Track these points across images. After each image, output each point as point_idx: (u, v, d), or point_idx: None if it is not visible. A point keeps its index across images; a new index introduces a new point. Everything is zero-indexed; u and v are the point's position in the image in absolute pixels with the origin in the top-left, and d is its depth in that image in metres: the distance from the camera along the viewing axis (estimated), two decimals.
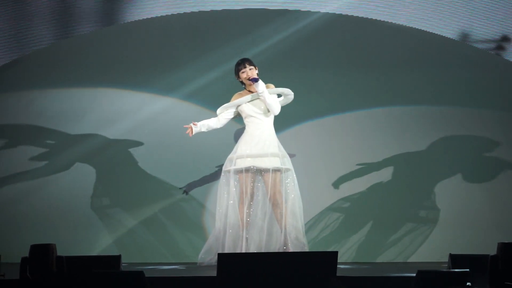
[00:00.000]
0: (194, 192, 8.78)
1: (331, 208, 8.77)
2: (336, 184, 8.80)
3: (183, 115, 8.83)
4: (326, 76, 9.16)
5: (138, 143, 8.89)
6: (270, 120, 7.56)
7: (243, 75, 7.54)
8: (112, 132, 8.96)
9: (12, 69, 9.15)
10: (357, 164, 8.87)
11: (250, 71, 7.52)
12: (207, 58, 9.09)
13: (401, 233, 8.73)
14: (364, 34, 9.28)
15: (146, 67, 9.12)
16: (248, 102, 7.52)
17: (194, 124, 7.59)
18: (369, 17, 9.28)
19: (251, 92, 7.57)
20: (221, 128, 7.72)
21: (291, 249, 7.35)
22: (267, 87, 7.50)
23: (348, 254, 8.63)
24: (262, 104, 7.51)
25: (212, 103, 8.18)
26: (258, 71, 7.56)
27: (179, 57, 9.16)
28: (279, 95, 7.63)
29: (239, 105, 7.57)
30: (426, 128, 9.04)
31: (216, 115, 7.70)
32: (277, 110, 7.48)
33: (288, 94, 7.62)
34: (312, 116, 9.01)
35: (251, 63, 7.56)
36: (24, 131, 8.95)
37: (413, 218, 8.79)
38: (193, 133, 7.60)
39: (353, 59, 9.23)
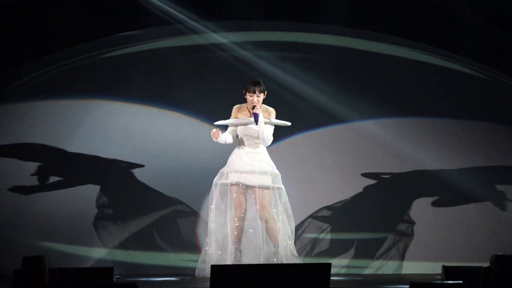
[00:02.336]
0: (188, 203, 8.77)
1: (319, 218, 8.78)
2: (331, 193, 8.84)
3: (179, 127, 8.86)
4: (320, 87, 9.18)
5: (135, 162, 8.91)
6: None
7: (249, 98, 7.52)
8: (109, 146, 8.95)
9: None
10: (362, 174, 8.90)
11: (258, 99, 7.50)
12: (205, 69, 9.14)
13: (391, 244, 8.74)
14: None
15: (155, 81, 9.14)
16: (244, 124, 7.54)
17: (218, 133, 7.54)
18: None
19: (250, 112, 7.55)
20: (216, 142, 7.70)
21: (284, 262, 7.35)
22: (268, 114, 7.51)
23: (341, 264, 8.64)
24: (256, 129, 7.51)
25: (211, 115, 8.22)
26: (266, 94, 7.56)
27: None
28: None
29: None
30: (426, 139, 9.08)
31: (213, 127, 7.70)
32: (268, 143, 7.52)
33: (285, 124, 7.67)
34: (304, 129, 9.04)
35: (261, 90, 7.52)
36: (20, 144, 8.94)
37: (403, 229, 8.80)
38: (217, 138, 7.56)
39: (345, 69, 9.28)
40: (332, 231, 8.78)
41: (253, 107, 7.42)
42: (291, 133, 8.82)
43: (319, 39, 9.42)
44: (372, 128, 9.09)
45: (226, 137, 7.57)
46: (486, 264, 6.26)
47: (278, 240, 7.43)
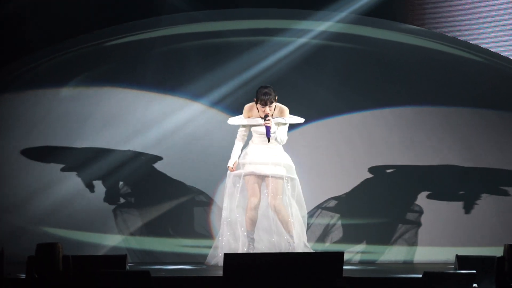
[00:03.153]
0: (202, 191, 8.78)
1: (329, 207, 8.79)
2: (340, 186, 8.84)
3: (201, 119, 8.91)
4: (332, 76, 9.16)
5: (155, 153, 8.92)
6: None
7: (261, 109, 7.48)
8: (122, 135, 8.96)
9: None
10: (369, 168, 8.89)
11: (269, 109, 7.43)
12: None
13: (404, 232, 8.73)
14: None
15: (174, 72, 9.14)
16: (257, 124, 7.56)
17: (232, 169, 7.60)
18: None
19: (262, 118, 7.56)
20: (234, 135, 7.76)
21: (297, 251, 7.37)
22: (281, 113, 7.51)
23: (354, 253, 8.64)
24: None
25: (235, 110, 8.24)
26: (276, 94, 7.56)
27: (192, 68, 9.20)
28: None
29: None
30: (436, 129, 9.05)
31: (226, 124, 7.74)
32: (282, 143, 7.56)
33: (299, 121, 7.69)
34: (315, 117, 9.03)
35: (271, 101, 7.44)
36: (33, 132, 8.96)
37: (417, 218, 8.78)
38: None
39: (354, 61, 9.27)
40: (343, 218, 8.77)
41: (265, 116, 7.41)
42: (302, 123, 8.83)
43: (334, 28, 9.38)
44: (386, 117, 9.07)
45: (237, 155, 7.60)
46: (499, 254, 6.24)
47: (290, 230, 7.45)
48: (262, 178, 7.56)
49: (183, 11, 9.26)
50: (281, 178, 7.53)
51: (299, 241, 7.49)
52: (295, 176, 7.61)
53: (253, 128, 7.61)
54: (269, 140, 7.44)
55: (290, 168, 7.61)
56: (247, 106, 7.64)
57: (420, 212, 8.76)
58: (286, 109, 7.59)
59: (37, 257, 6.02)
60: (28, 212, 8.71)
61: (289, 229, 7.46)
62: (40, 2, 8.97)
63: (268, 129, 7.41)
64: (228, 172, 7.63)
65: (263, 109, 7.44)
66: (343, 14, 9.35)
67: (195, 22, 9.35)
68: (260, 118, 7.49)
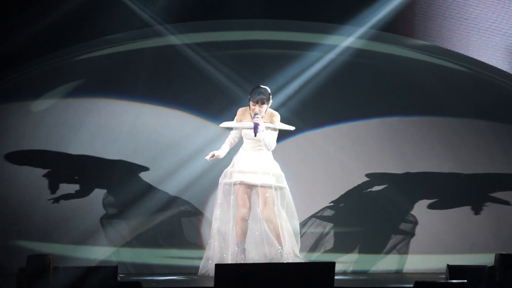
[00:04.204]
0: (192, 203, 8.78)
1: (322, 217, 8.79)
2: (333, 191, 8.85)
3: (187, 127, 8.88)
4: (327, 87, 9.18)
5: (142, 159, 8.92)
6: None
7: (252, 107, 7.51)
8: (113, 146, 8.95)
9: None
10: (367, 175, 8.91)
11: (260, 109, 7.46)
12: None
13: (395, 242, 8.74)
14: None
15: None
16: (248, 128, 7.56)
17: (216, 156, 7.59)
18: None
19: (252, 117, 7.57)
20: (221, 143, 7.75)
21: (288, 261, 7.36)
22: (271, 119, 7.52)
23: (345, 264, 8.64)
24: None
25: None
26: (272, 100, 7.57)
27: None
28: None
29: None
30: (427, 139, 9.07)
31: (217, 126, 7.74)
32: (270, 149, 7.56)
33: (289, 129, 7.69)
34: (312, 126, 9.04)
35: (264, 102, 7.49)
36: (22, 143, 8.94)
37: (411, 229, 8.80)
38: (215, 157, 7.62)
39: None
40: (335, 227, 8.78)
41: (255, 115, 7.44)
42: (294, 133, 8.83)
43: (325, 40, 9.41)
44: (377, 127, 9.09)
45: (226, 149, 7.59)
46: (490, 264, 6.26)
47: (281, 240, 7.44)
48: (251, 187, 7.56)
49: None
50: (270, 187, 7.52)
51: (289, 251, 7.47)
52: (284, 185, 7.61)
53: (244, 134, 7.59)
54: (255, 135, 7.41)
55: (279, 177, 7.60)
56: (240, 110, 7.67)
57: (414, 222, 8.77)
58: (277, 115, 7.60)
59: (27, 269, 6.00)
60: (17, 225, 8.68)
61: (279, 239, 7.45)
62: (30, 15, 8.97)
63: (256, 125, 7.40)
64: (220, 181, 7.62)
65: (253, 107, 7.45)
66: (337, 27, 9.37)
67: (185, 33, 9.36)
68: (251, 120, 7.49)
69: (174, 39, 9.27)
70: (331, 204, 8.83)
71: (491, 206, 8.91)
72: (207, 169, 8.52)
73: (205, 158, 7.65)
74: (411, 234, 8.74)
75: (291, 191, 7.68)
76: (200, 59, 9.20)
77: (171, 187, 8.82)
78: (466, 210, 8.90)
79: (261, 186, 7.49)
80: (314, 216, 8.76)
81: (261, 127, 7.40)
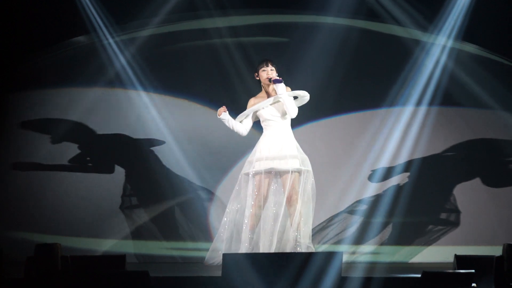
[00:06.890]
0: (201, 192, 8.78)
1: (347, 211, 8.79)
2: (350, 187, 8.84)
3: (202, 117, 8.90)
4: (339, 75, 9.11)
5: (159, 142, 8.89)
6: (288, 122, 7.50)
7: (263, 74, 7.48)
8: (130, 131, 8.95)
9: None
10: (370, 168, 8.91)
11: (271, 72, 7.49)
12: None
13: (404, 230, 8.76)
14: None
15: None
16: (265, 107, 7.48)
17: (225, 111, 7.50)
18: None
19: (267, 94, 7.52)
20: (228, 129, 7.67)
21: (299, 249, 7.31)
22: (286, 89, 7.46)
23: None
24: (279, 107, 7.45)
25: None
26: (277, 73, 7.51)
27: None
28: (294, 97, 7.58)
29: (257, 111, 7.53)
30: (442, 130, 9.05)
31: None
32: (294, 113, 7.41)
33: (304, 96, 7.57)
34: (324, 115, 9.02)
35: (273, 63, 7.51)
36: (32, 134, 8.95)
37: (416, 216, 8.81)
38: (220, 116, 7.49)
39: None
40: (342, 219, 8.78)
41: (271, 79, 7.39)
42: (316, 117, 8.83)
43: (336, 21, 9.31)
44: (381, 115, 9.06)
45: (233, 123, 7.50)
46: (498, 254, 6.25)
47: (297, 224, 7.34)
48: (273, 174, 7.51)
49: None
50: (299, 171, 7.42)
51: (304, 240, 7.38)
52: (309, 168, 7.52)
53: (262, 120, 7.52)
54: (280, 82, 7.30)
55: (304, 160, 7.47)
56: (251, 99, 7.60)
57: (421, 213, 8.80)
58: (288, 88, 7.53)
59: (36, 258, 6.02)
60: (27, 212, 8.71)
61: (296, 224, 7.34)
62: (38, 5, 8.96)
63: (276, 80, 7.32)
64: (244, 173, 7.45)
65: (264, 73, 7.41)
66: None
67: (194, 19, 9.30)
68: (266, 100, 7.42)
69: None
70: (338, 195, 8.83)
71: (499, 197, 8.90)
72: (216, 159, 8.51)
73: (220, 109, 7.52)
74: (419, 222, 8.76)
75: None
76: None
77: (179, 177, 8.82)
78: (474, 203, 8.89)
79: (292, 172, 7.36)
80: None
81: (282, 84, 7.32)
